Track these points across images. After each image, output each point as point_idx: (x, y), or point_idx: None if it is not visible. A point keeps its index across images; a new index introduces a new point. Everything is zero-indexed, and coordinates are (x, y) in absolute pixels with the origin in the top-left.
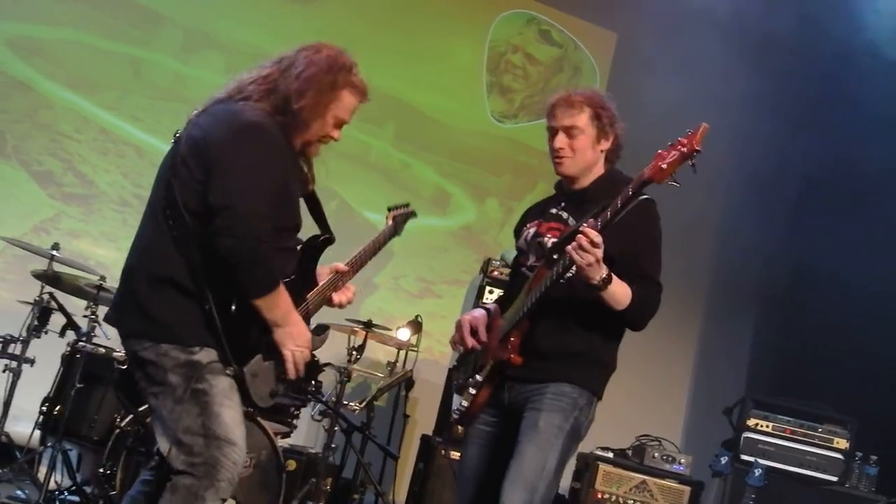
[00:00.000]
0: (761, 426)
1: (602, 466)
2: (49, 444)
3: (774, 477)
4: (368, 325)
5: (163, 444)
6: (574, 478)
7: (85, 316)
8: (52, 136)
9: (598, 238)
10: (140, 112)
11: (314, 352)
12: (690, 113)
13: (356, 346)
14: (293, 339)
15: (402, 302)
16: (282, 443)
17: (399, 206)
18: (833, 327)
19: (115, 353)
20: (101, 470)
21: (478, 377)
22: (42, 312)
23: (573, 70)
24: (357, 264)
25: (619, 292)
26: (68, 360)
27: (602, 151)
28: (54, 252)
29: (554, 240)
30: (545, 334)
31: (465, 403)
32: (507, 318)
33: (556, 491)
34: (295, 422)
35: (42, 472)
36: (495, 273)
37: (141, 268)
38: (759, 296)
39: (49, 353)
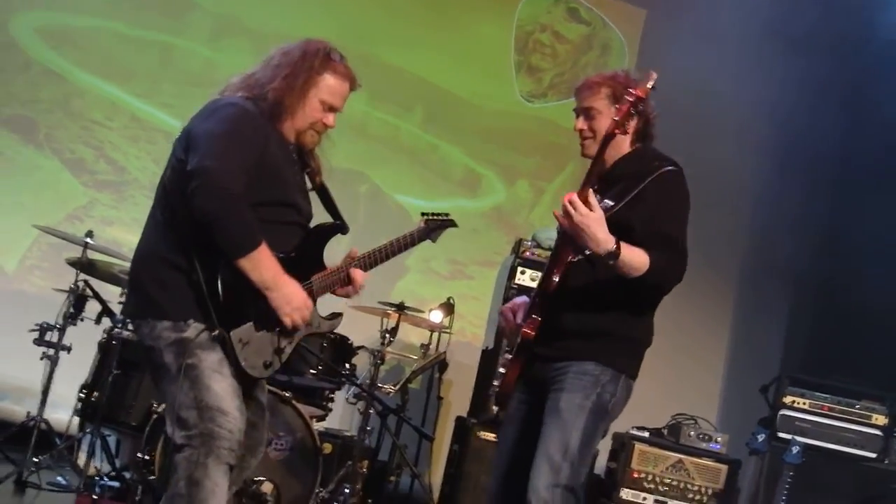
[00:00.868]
0: (798, 403)
1: (638, 446)
2: (88, 431)
3: (812, 454)
4: (401, 308)
5: (168, 426)
6: (610, 457)
7: (120, 302)
8: (84, 124)
9: (575, 198)
10: (170, 99)
11: (332, 331)
12: (722, 89)
13: (389, 328)
14: (287, 301)
15: (433, 284)
16: (317, 426)
17: (437, 214)
18: (870, 303)
19: None
20: (140, 455)
21: (508, 356)
22: (77, 300)
23: (602, 48)
24: (373, 259)
25: (634, 259)
26: (105, 347)
27: (629, 132)
28: (88, 240)
29: None
30: (568, 313)
31: (496, 383)
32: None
33: (587, 469)
34: (330, 405)
35: (81, 458)
36: (527, 254)
37: (138, 259)
38: (795, 272)
39: (85, 340)
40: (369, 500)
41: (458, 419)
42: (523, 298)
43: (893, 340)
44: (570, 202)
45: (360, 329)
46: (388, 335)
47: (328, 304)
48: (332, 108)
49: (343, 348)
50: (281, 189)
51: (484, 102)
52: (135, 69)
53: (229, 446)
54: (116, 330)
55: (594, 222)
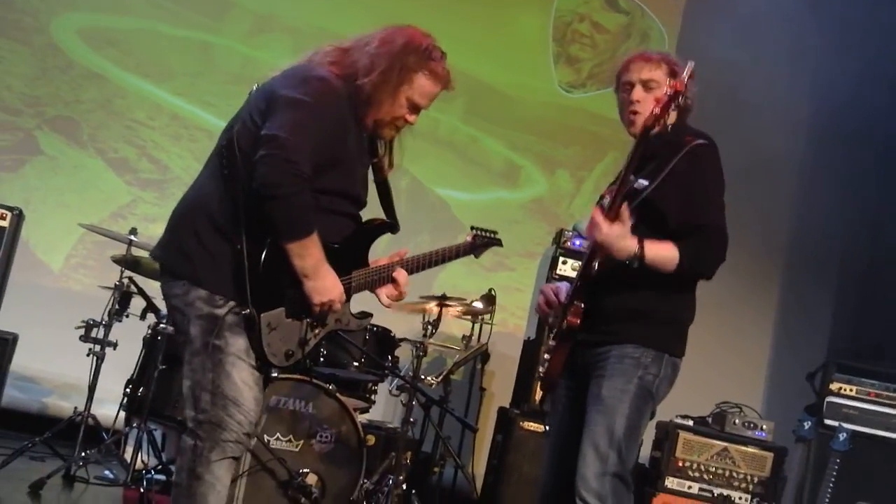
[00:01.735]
0: (845, 390)
1: (682, 434)
2: (134, 425)
3: (859, 441)
4: (443, 300)
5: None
6: (654, 447)
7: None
8: (126, 123)
9: (599, 218)
10: (210, 97)
11: (361, 329)
12: (763, 73)
13: (431, 320)
14: (320, 293)
15: (475, 276)
16: (360, 418)
17: (484, 230)
18: None
19: None
20: None
21: (552, 343)
22: (123, 297)
23: (641, 36)
24: (418, 264)
25: (660, 258)
26: (150, 343)
27: (676, 108)
28: (132, 237)
29: (608, 199)
30: (608, 296)
31: (541, 369)
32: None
33: (636, 453)
34: (373, 397)
35: (128, 452)
36: (568, 244)
37: (188, 205)
38: (840, 255)
39: (131, 336)
40: (413, 492)
41: (501, 410)
42: (565, 284)
43: None
44: (594, 222)
45: (402, 321)
46: (430, 327)
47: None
48: (418, 108)
49: (386, 341)
50: (348, 180)
51: (523, 94)
52: (175, 68)
53: (236, 438)
54: (161, 326)
55: (616, 239)
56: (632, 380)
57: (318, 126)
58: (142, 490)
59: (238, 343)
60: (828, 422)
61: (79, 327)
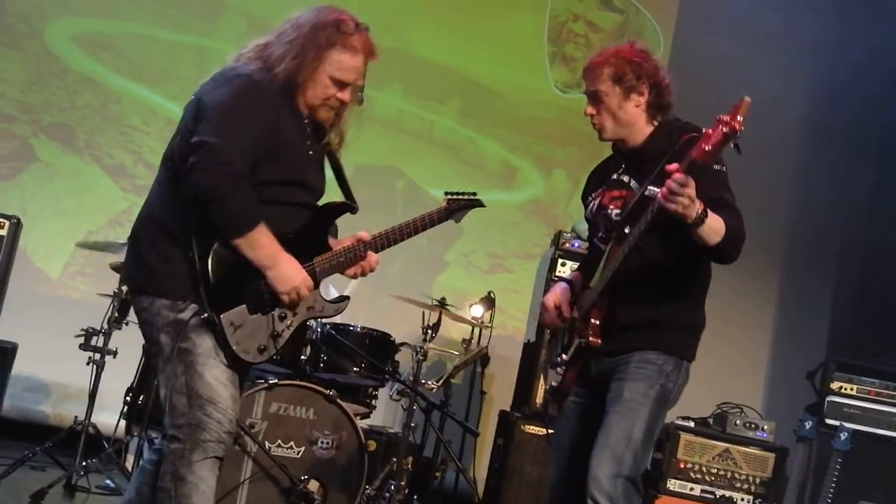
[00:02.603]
0: (845, 389)
1: (683, 436)
2: (135, 434)
3: (861, 440)
4: (442, 304)
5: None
6: (655, 448)
7: None
8: (122, 129)
9: (683, 179)
10: None
11: (332, 314)
12: (759, 69)
13: (431, 324)
14: (283, 281)
15: (473, 278)
16: (361, 423)
17: (460, 193)
18: None
19: None
20: None
21: (564, 356)
22: (122, 304)
23: (636, 35)
24: (387, 240)
25: (716, 225)
26: (149, 350)
27: (638, 107)
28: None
29: (617, 211)
30: (625, 308)
31: (554, 383)
32: (588, 295)
33: (648, 459)
34: (373, 402)
35: (129, 460)
36: (567, 245)
37: (142, 220)
38: (838, 255)
39: (130, 343)
40: (415, 496)
41: (502, 413)
42: (563, 286)
43: None
44: (683, 184)
45: (401, 326)
46: (429, 331)
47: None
48: (344, 84)
49: (385, 345)
50: (290, 167)
51: (519, 94)
52: (170, 73)
53: (217, 437)
54: None
55: (693, 193)
56: (654, 386)
57: (246, 122)
58: None
59: (205, 343)
60: (829, 421)
61: (78, 335)
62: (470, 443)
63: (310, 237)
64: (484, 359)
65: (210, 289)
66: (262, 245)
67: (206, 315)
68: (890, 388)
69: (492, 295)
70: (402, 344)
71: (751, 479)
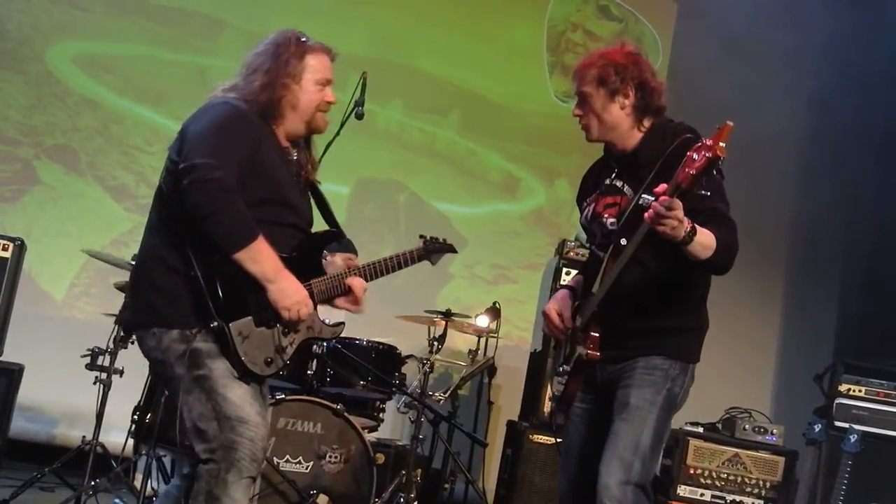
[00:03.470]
0: (854, 391)
1: (693, 442)
2: (143, 452)
3: (871, 442)
4: (447, 315)
5: (189, 437)
6: (665, 454)
7: None
8: (124, 149)
9: (670, 202)
10: None
11: (328, 337)
12: (758, 73)
13: (437, 336)
14: (287, 295)
15: (478, 289)
16: (369, 436)
17: (435, 238)
18: None
19: None
20: None
21: (566, 367)
22: (127, 328)
23: (635, 43)
24: (373, 270)
25: (706, 241)
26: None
27: (623, 109)
28: (134, 263)
29: (612, 220)
30: (627, 317)
31: (557, 393)
32: (589, 303)
33: (658, 464)
34: (381, 415)
35: (138, 479)
36: (571, 254)
37: (139, 263)
38: (843, 256)
39: (137, 362)
40: None
41: (510, 423)
42: (564, 293)
43: None
44: (669, 208)
45: (407, 338)
46: (436, 342)
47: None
48: (327, 83)
49: (392, 358)
50: (276, 188)
51: (519, 105)
52: (171, 92)
53: (251, 456)
54: None
55: (680, 214)
56: (661, 391)
57: (230, 142)
58: None
59: (220, 366)
60: (838, 423)
61: (84, 356)
62: (479, 454)
63: (305, 260)
64: (491, 369)
65: (216, 301)
66: (264, 258)
67: (215, 324)
68: None
69: (497, 305)
70: (409, 356)
71: (761, 483)
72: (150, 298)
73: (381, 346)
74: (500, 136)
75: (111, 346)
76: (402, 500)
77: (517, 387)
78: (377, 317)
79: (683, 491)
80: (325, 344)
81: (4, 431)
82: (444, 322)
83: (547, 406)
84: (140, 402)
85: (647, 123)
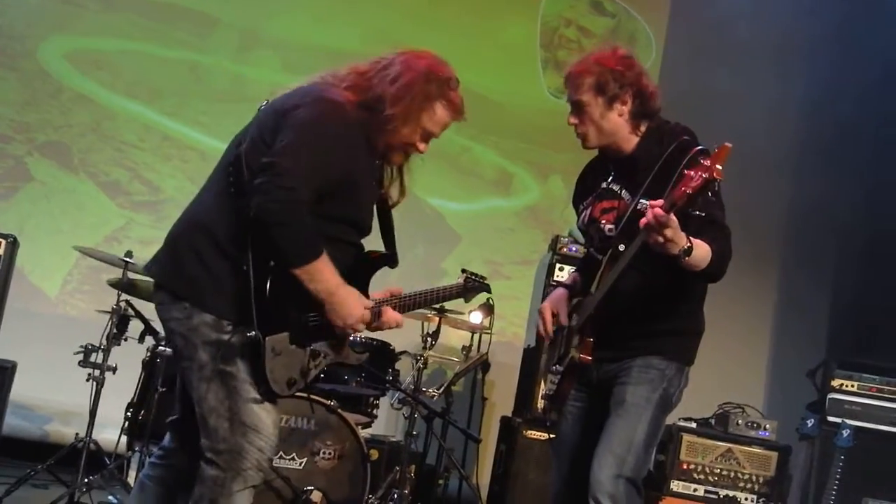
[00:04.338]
0: (846, 386)
1: (686, 437)
2: (136, 449)
3: (863, 437)
4: (441, 311)
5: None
6: (658, 450)
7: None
8: (117, 146)
9: (664, 218)
10: (201, 116)
11: (354, 363)
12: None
13: (430, 332)
14: (341, 316)
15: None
16: (363, 433)
17: (476, 275)
18: None
19: None
20: None
21: (559, 367)
22: (120, 320)
23: (628, 39)
24: (408, 303)
25: (701, 255)
26: (149, 365)
27: (622, 116)
28: (128, 260)
29: (610, 226)
30: (625, 321)
31: (549, 392)
32: (587, 304)
33: (650, 463)
34: (375, 411)
35: (132, 476)
36: (564, 250)
37: (187, 223)
38: (836, 252)
39: (130, 359)
40: None
41: (504, 419)
42: (561, 292)
43: None
44: (661, 224)
45: (401, 334)
46: (429, 339)
47: None
48: (430, 136)
49: (385, 354)
50: (354, 207)
51: (513, 101)
52: (163, 88)
53: (257, 465)
54: (160, 348)
55: (677, 229)
56: (657, 390)
57: (322, 150)
58: None
59: (248, 368)
60: (831, 419)
61: (77, 353)
62: (472, 449)
63: (355, 280)
64: (484, 365)
65: (260, 308)
66: (323, 278)
67: (252, 334)
68: (891, 385)
69: (490, 301)
70: (402, 352)
71: (754, 478)
72: (191, 268)
73: (374, 343)
74: (494, 133)
75: (104, 342)
76: (395, 496)
77: (511, 383)
78: None
79: (677, 486)
80: None
81: None
82: (437, 318)
83: (539, 403)
84: (133, 398)
85: (643, 127)
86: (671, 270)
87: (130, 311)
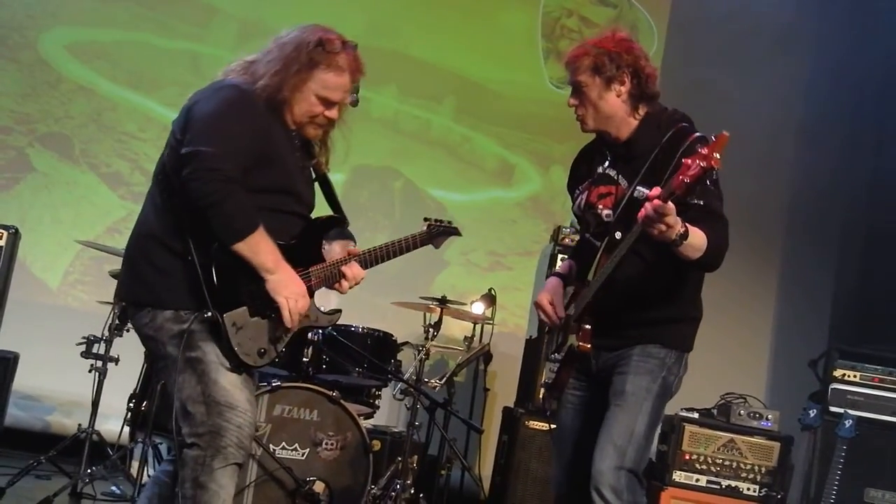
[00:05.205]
0: (849, 376)
1: (688, 427)
2: (139, 440)
3: (865, 427)
4: (443, 302)
5: (177, 418)
6: (660, 440)
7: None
8: (118, 136)
9: (662, 208)
10: None
11: (332, 325)
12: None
13: (432, 323)
14: (285, 286)
15: (473, 276)
16: (365, 423)
17: (440, 221)
18: None
19: None
20: None
21: (558, 356)
22: (122, 311)
23: (630, 29)
24: (373, 256)
25: (697, 242)
26: (157, 365)
27: (619, 97)
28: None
29: (608, 211)
30: (623, 308)
31: (548, 380)
32: (584, 293)
33: (649, 453)
34: (377, 402)
35: (134, 466)
36: (566, 241)
37: (136, 238)
38: (839, 242)
39: (132, 350)
40: (421, 495)
41: (506, 409)
42: (555, 280)
43: None
44: (659, 213)
45: (403, 325)
46: (431, 329)
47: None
48: (331, 102)
49: (387, 345)
50: (281, 176)
51: (514, 91)
52: (164, 79)
53: (237, 442)
54: None
55: (673, 215)
56: (657, 379)
57: (236, 129)
58: None
59: (214, 350)
60: (833, 409)
61: (80, 343)
62: (475, 440)
63: (304, 247)
64: (486, 356)
65: (212, 289)
66: (263, 250)
67: (209, 314)
68: (894, 374)
69: (492, 292)
70: (404, 343)
71: (756, 468)
72: (146, 274)
73: (376, 333)
74: (495, 123)
75: (106, 334)
76: (398, 486)
77: (513, 373)
78: (373, 304)
79: (679, 476)
80: (320, 331)
81: (0, 420)
82: (439, 309)
83: (540, 392)
84: (136, 389)
85: (641, 111)
86: (669, 258)
87: None
